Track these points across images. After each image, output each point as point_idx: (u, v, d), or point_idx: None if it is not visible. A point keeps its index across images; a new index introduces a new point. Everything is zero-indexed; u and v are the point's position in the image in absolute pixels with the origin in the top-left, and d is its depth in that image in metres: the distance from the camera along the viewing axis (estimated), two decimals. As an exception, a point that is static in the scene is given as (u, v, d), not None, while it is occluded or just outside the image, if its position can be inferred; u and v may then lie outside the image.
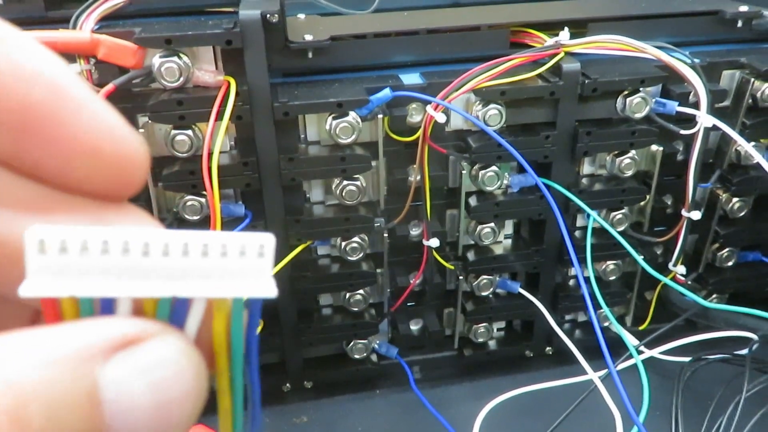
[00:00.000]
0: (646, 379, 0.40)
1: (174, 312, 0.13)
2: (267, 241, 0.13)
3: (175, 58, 0.39)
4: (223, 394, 0.14)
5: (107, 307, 0.13)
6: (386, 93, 0.42)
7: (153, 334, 0.13)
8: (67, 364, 0.11)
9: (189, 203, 0.43)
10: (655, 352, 0.49)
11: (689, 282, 0.53)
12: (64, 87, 0.14)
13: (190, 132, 0.41)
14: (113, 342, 0.12)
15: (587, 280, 0.48)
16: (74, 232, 0.12)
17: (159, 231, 0.13)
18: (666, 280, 0.47)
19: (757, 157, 0.43)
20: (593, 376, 0.42)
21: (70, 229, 0.12)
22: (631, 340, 0.49)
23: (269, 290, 0.13)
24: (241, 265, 0.13)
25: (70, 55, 0.39)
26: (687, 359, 0.48)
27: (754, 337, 0.45)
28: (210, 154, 0.41)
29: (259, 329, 0.49)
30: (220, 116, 0.40)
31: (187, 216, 0.43)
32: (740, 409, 0.37)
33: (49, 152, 0.14)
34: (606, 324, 0.54)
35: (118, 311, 0.13)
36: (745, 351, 0.43)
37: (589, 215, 0.49)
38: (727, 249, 0.54)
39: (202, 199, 0.43)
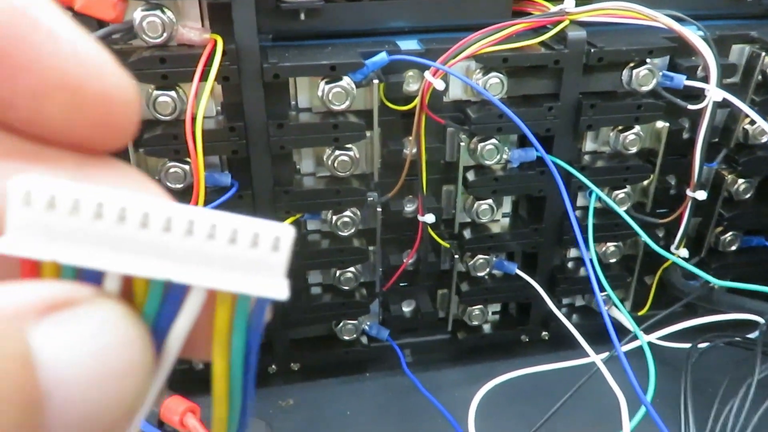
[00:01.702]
0: (653, 361, 0.38)
1: (167, 299, 0.12)
2: (284, 233, 0.11)
3: (158, 12, 0.37)
4: (220, 401, 0.13)
5: (93, 280, 0.11)
6: (382, 57, 0.40)
7: (89, 298, 0.11)
8: None
9: (171, 170, 0.41)
10: (653, 338, 0.47)
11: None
12: (31, 8, 0.11)
13: (173, 93, 0.39)
14: (43, 301, 0.10)
15: (590, 262, 0.46)
16: (66, 187, 0.11)
17: (161, 201, 0.11)
18: (675, 259, 0.45)
19: (769, 132, 0.41)
20: (596, 358, 0.40)
21: (62, 183, 0.11)
22: (630, 325, 0.47)
23: (280, 291, 0.11)
24: (251, 257, 0.11)
25: (44, 5, 0.36)
26: (688, 345, 0.46)
27: (761, 320, 0.43)
28: (194, 118, 0.38)
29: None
30: (205, 76, 0.38)
31: (169, 184, 0.41)
32: (752, 391, 0.35)
33: (20, 85, 0.11)
34: (605, 309, 0.52)
35: (105, 287, 0.11)
36: (754, 334, 0.42)
37: (590, 193, 0.47)
38: (730, 232, 0.52)
39: (186, 167, 0.41)
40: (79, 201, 0.11)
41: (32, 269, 0.11)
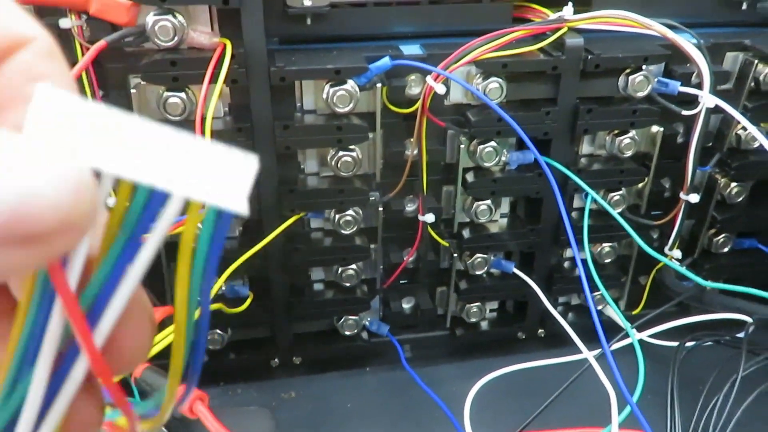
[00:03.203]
0: (642, 358, 0.40)
1: (148, 204, 0.13)
2: (251, 161, 0.13)
3: (170, 17, 0.38)
4: (181, 304, 0.14)
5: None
6: (386, 62, 0.41)
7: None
8: None
9: (180, 169, 0.42)
10: (645, 336, 0.48)
11: (684, 267, 0.52)
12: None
13: (183, 95, 0.40)
14: None
15: (584, 262, 0.48)
16: (84, 100, 0.13)
17: (162, 126, 0.13)
18: (667, 261, 0.47)
19: (760, 138, 0.43)
20: (588, 354, 0.42)
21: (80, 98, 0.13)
22: (622, 324, 0.49)
23: (242, 207, 0.13)
24: (223, 178, 0.13)
25: (61, 9, 0.38)
26: (678, 343, 0.47)
27: (749, 320, 0.44)
28: (203, 119, 0.40)
29: (248, 302, 0.47)
30: (214, 79, 0.39)
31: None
32: (736, 387, 0.36)
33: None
34: (600, 308, 0.53)
35: (100, 185, 0.13)
36: (741, 334, 0.43)
37: (586, 195, 0.49)
38: (723, 235, 0.54)
39: (194, 165, 0.42)
40: (94, 110, 0.13)
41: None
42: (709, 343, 0.44)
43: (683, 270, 0.47)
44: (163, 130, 0.13)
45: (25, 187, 0.12)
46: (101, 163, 0.13)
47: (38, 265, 0.13)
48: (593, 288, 0.47)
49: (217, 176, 0.13)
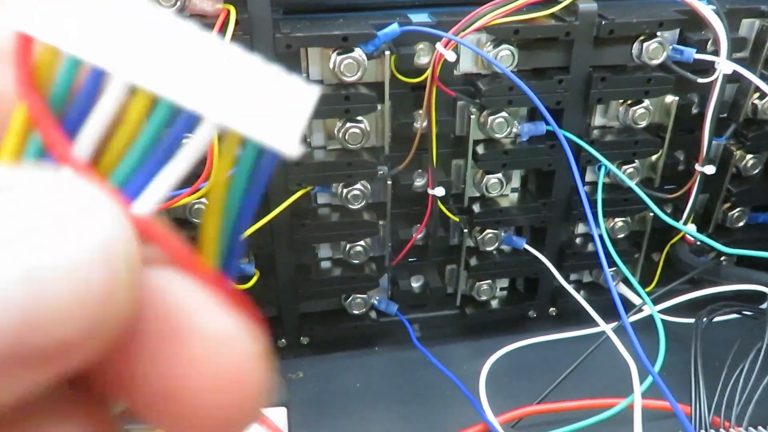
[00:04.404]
0: (662, 328, 0.39)
1: (172, 129, 0.10)
2: (311, 91, 0.10)
3: (172, -18, 0.37)
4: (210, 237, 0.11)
5: (93, 83, 0.10)
6: (394, 28, 0.40)
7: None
8: None
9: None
10: (660, 312, 0.47)
11: (697, 243, 0.51)
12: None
13: (186, 63, 0.39)
14: None
15: (600, 236, 0.47)
16: None
17: (199, 29, 0.10)
18: (685, 228, 0.46)
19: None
20: (606, 327, 0.41)
21: None
22: (638, 299, 0.48)
23: (293, 147, 0.10)
24: (274, 108, 0.10)
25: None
26: (695, 319, 0.46)
27: (767, 291, 0.43)
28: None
29: (254, 280, 0.46)
30: (218, 46, 0.38)
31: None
32: (762, 355, 0.35)
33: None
34: (614, 284, 0.52)
35: (105, 94, 0.10)
36: (763, 305, 0.42)
37: (599, 168, 0.47)
38: (738, 209, 0.52)
39: (198, 138, 0.41)
40: None
41: (25, 54, 0.10)
42: (729, 316, 0.43)
43: (704, 238, 0.46)
44: (201, 33, 0.10)
45: (20, 279, 0.08)
46: (120, 68, 0.10)
47: (52, 384, 0.09)
48: (608, 262, 0.46)
49: (267, 105, 0.10)
